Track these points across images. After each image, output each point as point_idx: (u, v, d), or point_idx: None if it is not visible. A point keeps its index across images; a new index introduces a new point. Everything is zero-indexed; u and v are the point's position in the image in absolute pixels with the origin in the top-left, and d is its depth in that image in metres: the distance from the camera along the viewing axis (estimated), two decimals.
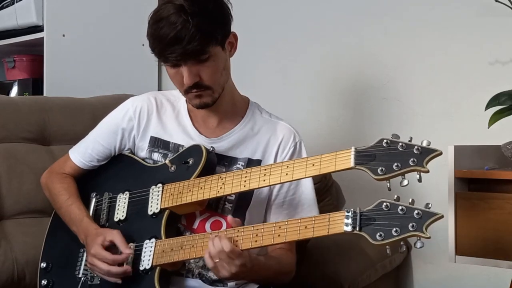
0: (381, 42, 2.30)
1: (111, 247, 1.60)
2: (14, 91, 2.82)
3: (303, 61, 2.53)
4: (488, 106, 1.67)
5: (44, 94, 2.57)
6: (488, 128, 1.64)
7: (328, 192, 2.32)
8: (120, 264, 1.58)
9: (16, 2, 2.73)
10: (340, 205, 2.40)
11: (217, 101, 1.64)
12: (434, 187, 1.96)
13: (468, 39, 2.08)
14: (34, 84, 2.73)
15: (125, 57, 2.78)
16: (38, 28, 2.65)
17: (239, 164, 1.69)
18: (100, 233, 1.62)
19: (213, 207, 1.66)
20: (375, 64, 2.33)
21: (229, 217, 1.54)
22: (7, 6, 2.81)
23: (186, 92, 1.61)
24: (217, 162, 1.67)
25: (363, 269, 2.00)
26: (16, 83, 2.82)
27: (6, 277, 1.81)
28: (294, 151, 1.72)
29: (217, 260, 1.44)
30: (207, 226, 1.66)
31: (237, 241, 1.46)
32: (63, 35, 2.64)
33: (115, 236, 1.60)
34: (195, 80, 1.57)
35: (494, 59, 2.02)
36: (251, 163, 1.69)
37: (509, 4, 1.70)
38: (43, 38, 2.62)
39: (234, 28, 1.66)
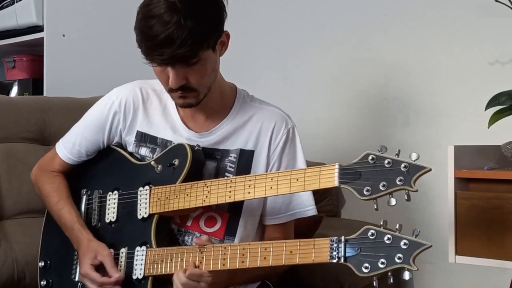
0: (381, 42, 2.30)
1: (101, 266, 1.58)
2: (14, 91, 2.82)
3: (304, 62, 2.53)
4: (488, 106, 1.67)
5: (44, 94, 2.57)
6: (488, 128, 1.64)
7: (328, 192, 2.32)
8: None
9: (16, 2, 2.73)
10: (340, 205, 2.40)
11: (204, 99, 1.59)
12: (434, 187, 1.97)
13: (468, 39, 2.08)
14: (34, 84, 2.74)
15: (125, 57, 2.77)
16: (38, 28, 2.65)
17: (231, 156, 1.65)
18: (91, 249, 1.59)
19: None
20: (375, 64, 2.33)
21: (196, 239, 1.51)
22: (7, 6, 2.81)
23: (170, 91, 1.56)
24: (209, 156, 1.64)
25: None
26: (16, 83, 2.82)
27: (6, 277, 1.80)
28: (287, 138, 1.67)
29: None
30: (201, 223, 1.64)
31: (224, 259, 1.43)
32: (63, 35, 2.64)
33: (106, 258, 1.57)
34: (181, 83, 1.51)
35: (494, 59, 2.02)
36: (244, 154, 1.65)
37: (509, 4, 1.70)
38: (43, 38, 2.62)
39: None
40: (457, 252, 1.54)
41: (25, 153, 1.99)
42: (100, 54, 2.74)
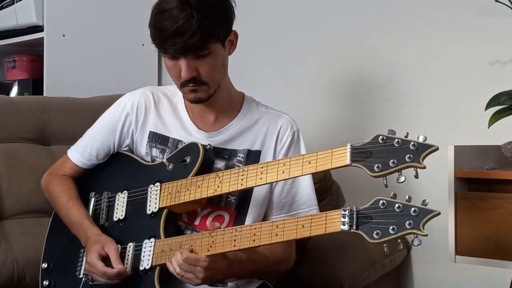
0: (381, 42, 2.30)
1: (108, 258, 1.60)
2: (14, 91, 2.82)
3: (304, 62, 2.53)
4: (488, 106, 1.67)
5: (44, 94, 2.57)
6: (488, 128, 1.64)
7: (328, 192, 2.32)
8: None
9: (16, 2, 2.73)
10: (341, 205, 2.39)
11: (213, 97, 1.65)
12: (434, 187, 1.96)
13: (468, 39, 2.08)
14: (34, 84, 2.73)
15: (125, 57, 2.77)
16: (38, 28, 2.65)
17: (239, 156, 1.70)
18: (99, 241, 1.62)
19: (215, 201, 1.66)
20: (375, 64, 2.33)
21: (208, 222, 1.54)
22: (7, 6, 2.81)
23: (182, 85, 1.62)
24: (217, 155, 1.68)
25: (363, 269, 2.00)
26: (16, 83, 2.82)
27: (6, 277, 1.81)
28: (292, 140, 1.73)
29: (184, 273, 1.48)
30: (209, 221, 1.66)
31: (235, 240, 1.45)
32: (63, 35, 2.64)
33: (112, 251, 1.59)
34: (192, 75, 1.57)
35: (494, 59, 2.02)
36: (251, 154, 1.70)
37: (509, 4, 1.70)
38: (43, 38, 2.62)
39: (236, 27, 1.66)
40: (457, 252, 1.54)
41: (25, 153, 1.99)
42: (100, 54, 2.74)
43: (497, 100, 1.66)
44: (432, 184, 1.94)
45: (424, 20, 2.19)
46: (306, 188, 1.72)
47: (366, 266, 2.02)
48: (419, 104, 2.21)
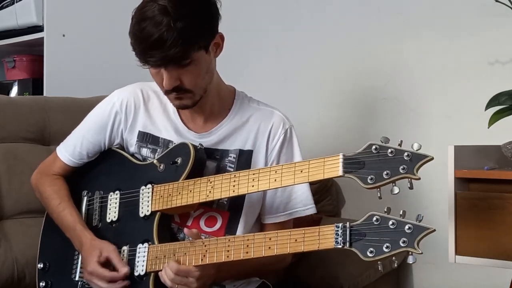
0: (381, 42, 2.30)
1: (107, 263, 1.59)
2: (14, 91, 2.82)
3: (304, 62, 2.53)
4: (488, 106, 1.67)
5: (44, 94, 2.58)
6: (488, 128, 1.64)
7: (328, 192, 2.32)
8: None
9: (16, 2, 2.74)
10: (340, 205, 2.40)
11: (202, 100, 1.61)
12: (434, 187, 1.96)
13: (468, 39, 2.08)
14: (34, 84, 2.74)
15: (125, 57, 2.76)
16: (38, 28, 2.66)
17: (230, 156, 1.67)
18: (96, 247, 1.60)
19: (208, 202, 1.63)
20: (375, 64, 2.33)
21: (185, 230, 1.52)
22: (7, 6, 2.81)
23: (166, 93, 1.59)
24: (208, 156, 1.66)
25: (363, 269, 2.00)
26: (16, 83, 2.82)
27: (6, 277, 1.81)
28: (284, 139, 1.69)
29: (176, 286, 1.47)
30: (202, 222, 1.65)
31: (228, 251, 1.44)
32: (63, 35, 2.64)
33: (112, 253, 1.58)
34: (174, 84, 1.54)
35: (494, 59, 2.02)
36: (243, 154, 1.67)
37: (509, 4, 1.70)
38: (43, 38, 2.62)
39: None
40: (457, 252, 1.54)
41: (25, 153, 1.99)
42: (100, 54, 2.74)
43: (497, 100, 1.65)
44: (432, 184, 1.94)
45: (424, 19, 2.19)
46: (301, 186, 1.68)
47: (366, 266, 2.01)
48: (419, 104, 2.21)
